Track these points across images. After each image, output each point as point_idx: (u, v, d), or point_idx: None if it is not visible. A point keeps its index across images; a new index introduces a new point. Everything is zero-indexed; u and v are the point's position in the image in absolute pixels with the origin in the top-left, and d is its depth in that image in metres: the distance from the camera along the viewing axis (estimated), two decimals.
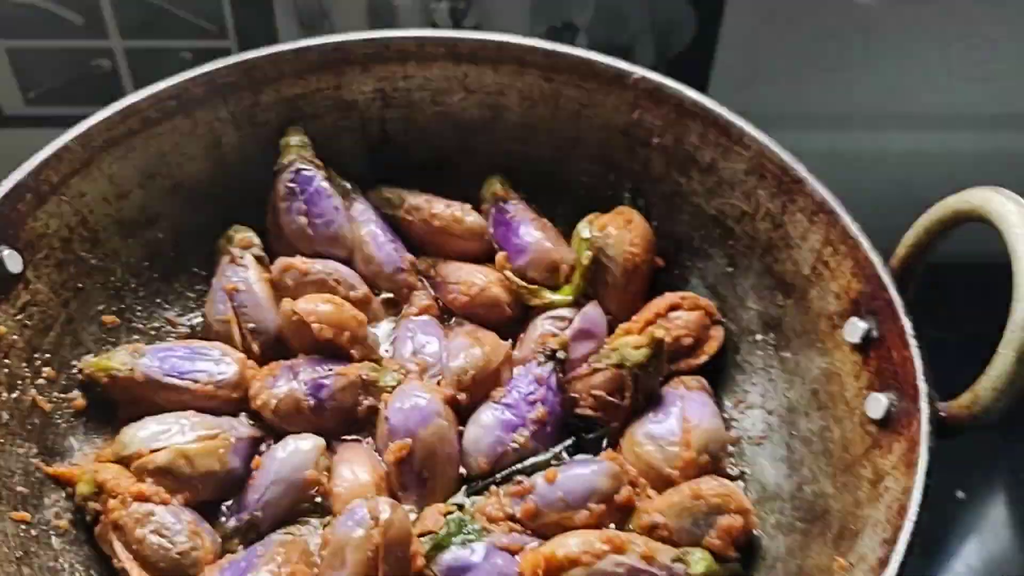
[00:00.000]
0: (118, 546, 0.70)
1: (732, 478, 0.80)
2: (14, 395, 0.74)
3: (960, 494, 0.98)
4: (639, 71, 0.89)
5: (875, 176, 1.31)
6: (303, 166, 0.91)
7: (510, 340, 0.88)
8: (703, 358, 0.86)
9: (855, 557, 0.64)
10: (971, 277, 0.97)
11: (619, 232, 0.89)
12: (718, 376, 0.86)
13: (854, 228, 0.76)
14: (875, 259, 0.74)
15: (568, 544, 0.70)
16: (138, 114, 0.84)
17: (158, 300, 0.89)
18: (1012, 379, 0.61)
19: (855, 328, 0.74)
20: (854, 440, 0.72)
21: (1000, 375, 0.61)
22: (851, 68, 1.26)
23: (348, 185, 0.94)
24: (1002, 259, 0.64)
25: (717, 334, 0.87)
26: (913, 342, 0.68)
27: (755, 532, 0.75)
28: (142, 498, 0.72)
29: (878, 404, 0.70)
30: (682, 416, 0.79)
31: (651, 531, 0.73)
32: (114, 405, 0.80)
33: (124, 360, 0.79)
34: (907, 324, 0.70)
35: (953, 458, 1.00)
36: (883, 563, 0.59)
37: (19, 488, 0.71)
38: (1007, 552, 0.95)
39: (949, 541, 0.95)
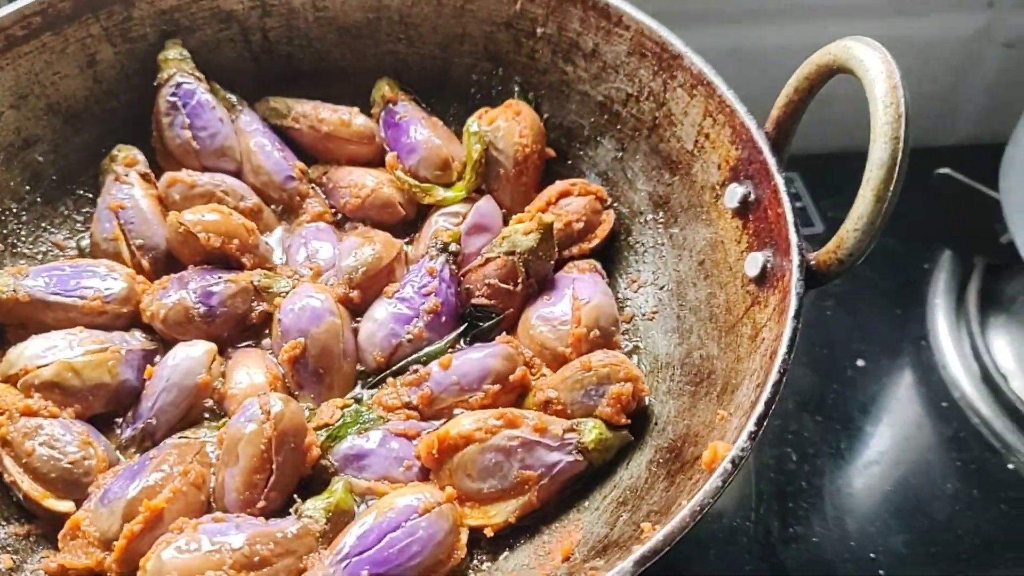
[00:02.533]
0: (7, 461, 0.70)
1: (627, 353, 0.81)
2: None
3: (861, 363, 1.00)
4: None
5: (780, 69, 1.31)
6: (184, 79, 0.89)
7: (407, 239, 0.88)
8: (595, 242, 0.86)
9: (734, 407, 0.65)
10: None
11: (508, 124, 0.88)
12: (611, 258, 0.87)
13: (729, 96, 0.76)
14: (750, 124, 0.74)
15: (461, 423, 0.71)
16: (1, 32, 0.82)
17: (43, 224, 0.87)
18: (872, 219, 0.62)
19: (734, 193, 0.75)
20: (736, 302, 0.73)
21: (861, 216, 0.62)
22: None
23: (233, 97, 0.92)
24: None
25: (608, 218, 0.87)
26: (785, 199, 0.69)
27: (647, 399, 0.76)
28: (30, 413, 0.71)
29: (755, 262, 0.71)
30: (573, 296, 0.79)
31: (545, 407, 0.74)
32: (2, 329, 0.79)
33: (7, 282, 0.77)
34: (780, 182, 0.70)
35: (854, 330, 1.04)
36: (754, 404, 0.60)
37: None
38: (906, 414, 0.98)
39: (851, 407, 0.97)
